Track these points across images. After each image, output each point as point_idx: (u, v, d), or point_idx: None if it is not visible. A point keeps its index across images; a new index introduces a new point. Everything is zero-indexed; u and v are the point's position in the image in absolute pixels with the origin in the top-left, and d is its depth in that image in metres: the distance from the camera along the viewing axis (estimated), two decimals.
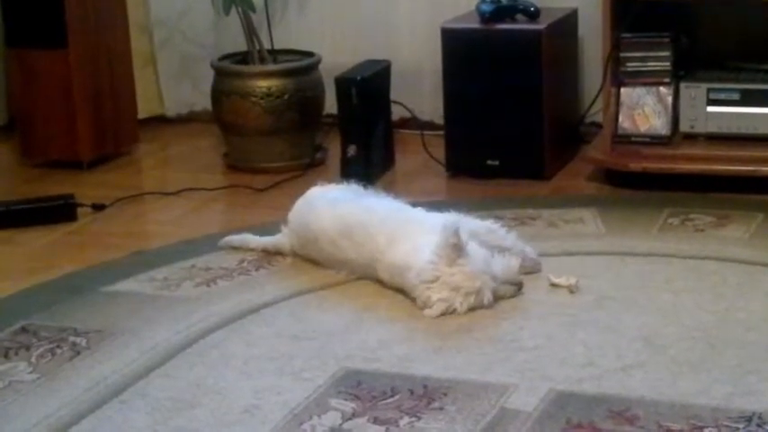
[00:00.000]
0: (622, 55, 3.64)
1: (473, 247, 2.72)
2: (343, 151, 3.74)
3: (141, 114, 4.35)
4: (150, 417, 2.30)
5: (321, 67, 4.03)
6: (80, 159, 4.02)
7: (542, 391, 2.32)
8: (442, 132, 3.84)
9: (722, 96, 3.58)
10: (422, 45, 4.18)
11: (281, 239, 3.12)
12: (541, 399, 2.29)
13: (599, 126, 3.85)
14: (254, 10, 4.01)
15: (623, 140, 3.65)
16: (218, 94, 3.98)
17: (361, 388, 2.37)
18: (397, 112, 4.09)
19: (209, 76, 4.06)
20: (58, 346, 2.63)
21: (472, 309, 2.68)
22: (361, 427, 2.21)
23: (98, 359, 2.56)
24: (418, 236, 2.79)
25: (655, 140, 3.63)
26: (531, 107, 3.66)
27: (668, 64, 3.64)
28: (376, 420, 2.23)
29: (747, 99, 3.56)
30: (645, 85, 3.65)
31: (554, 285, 2.82)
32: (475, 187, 3.68)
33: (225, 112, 3.97)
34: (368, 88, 3.74)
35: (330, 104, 3.97)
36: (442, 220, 2.79)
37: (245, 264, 3.08)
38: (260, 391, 2.37)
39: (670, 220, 3.26)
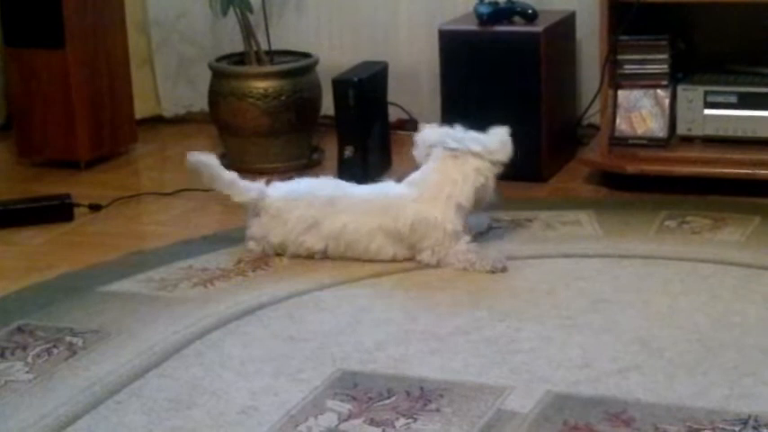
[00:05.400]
0: (620, 57, 3.64)
1: None
2: (341, 152, 3.74)
3: (138, 114, 4.34)
4: (146, 417, 2.30)
5: (318, 68, 4.03)
6: (77, 159, 4.02)
7: (539, 393, 2.32)
8: None
9: (719, 99, 3.58)
10: (419, 47, 4.18)
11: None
12: (538, 401, 2.29)
13: (596, 128, 3.85)
14: (251, 11, 4.01)
15: (620, 143, 3.65)
16: (215, 95, 3.98)
17: (357, 389, 2.37)
18: (394, 114, 4.09)
19: (206, 77, 4.06)
20: (54, 346, 2.63)
21: None
22: (358, 429, 2.21)
23: (94, 359, 2.56)
24: None
25: (652, 143, 3.63)
26: (529, 109, 3.66)
27: (666, 67, 3.64)
28: (372, 422, 2.23)
29: (745, 102, 3.56)
30: (642, 87, 3.65)
31: None
32: None
33: (222, 113, 3.97)
34: (365, 90, 3.74)
35: (327, 106, 3.97)
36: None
37: (241, 264, 3.08)
38: (256, 392, 2.37)
39: (667, 223, 3.26)
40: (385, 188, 3.16)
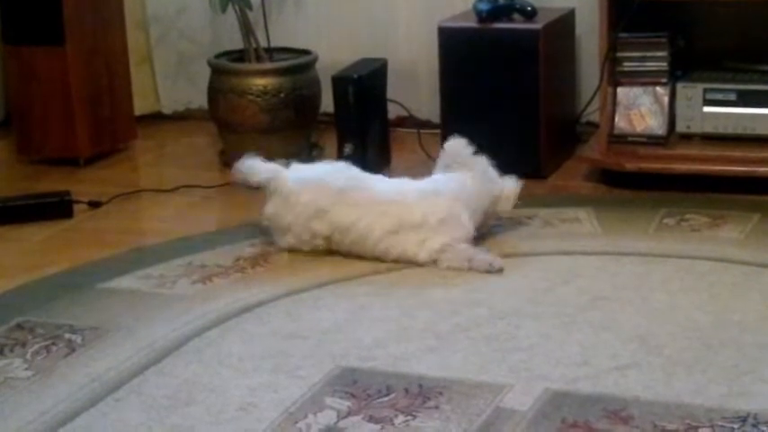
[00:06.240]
0: (619, 55, 3.65)
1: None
2: (340, 150, 3.74)
3: (138, 111, 4.35)
4: (145, 414, 2.30)
5: (318, 65, 4.03)
6: (77, 156, 4.02)
7: (537, 390, 2.32)
8: (438, 131, 3.84)
9: (719, 97, 3.58)
10: (419, 44, 4.18)
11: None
12: (537, 398, 2.29)
13: (595, 126, 3.85)
14: (250, 8, 4.01)
15: (619, 140, 3.65)
16: (214, 92, 3.98)
17: (356, 386, 2.37)
18: (393, 111, 4.09)
19: (205, 74, 4.06)
20: (53, 343, 2.63)
21: None
22: (357, 426, 2.22)
23: (93, 356, 2.56)
24: None
25: (651, 140, 3.63)
26: (528, 106, 3.66)
27: (665, 64, 3.64)
28: (371, 419, 2.24)
29: (744, 100, 3.56)
30: (641, 84, 3.65)
31: None
32: None
33: (221, 110, 3.97)
34: (364, 87, 3.74)
35: (326, 103, 3.97)
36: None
37: (240, 261, 3.08)
38: (255, 389, 2.37)
39: (666, 221, 3.26)
40: (409, 184, 3.18)
